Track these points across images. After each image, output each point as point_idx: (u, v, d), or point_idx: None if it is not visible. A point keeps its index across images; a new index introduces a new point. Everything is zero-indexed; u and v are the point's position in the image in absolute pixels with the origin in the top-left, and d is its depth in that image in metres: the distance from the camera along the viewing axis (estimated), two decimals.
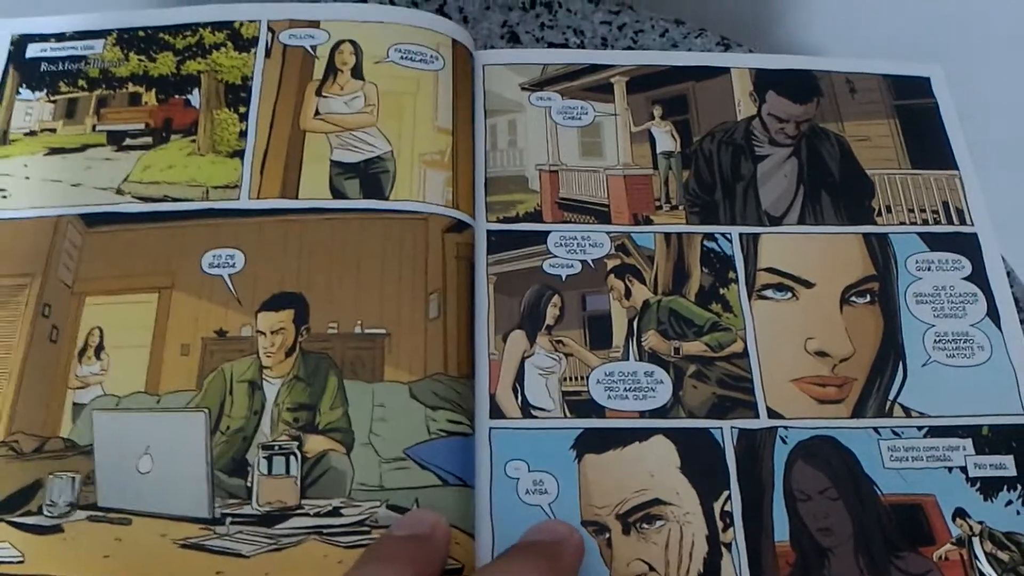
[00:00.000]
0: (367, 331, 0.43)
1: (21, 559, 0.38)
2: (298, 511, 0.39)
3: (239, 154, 0.47)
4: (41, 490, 0.39)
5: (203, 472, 0.40)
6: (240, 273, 0.44)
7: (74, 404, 0.41)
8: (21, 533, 0.38)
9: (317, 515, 0.39)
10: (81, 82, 0.50)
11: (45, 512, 0.39)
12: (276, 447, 0.40)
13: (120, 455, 0.40)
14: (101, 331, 0.43)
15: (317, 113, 0.49)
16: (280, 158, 0.47)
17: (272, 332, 0.43)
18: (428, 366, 0.42)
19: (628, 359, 0.44)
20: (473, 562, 0.39)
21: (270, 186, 0.46)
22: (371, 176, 0.47)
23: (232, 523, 0.39)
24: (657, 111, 0.51)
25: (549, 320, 0.45)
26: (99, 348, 0.42)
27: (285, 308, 0.43)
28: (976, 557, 0.40)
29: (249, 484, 0.40)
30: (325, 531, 0.38)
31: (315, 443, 0.41)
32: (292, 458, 0.40)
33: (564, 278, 0.46)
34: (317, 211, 0.45)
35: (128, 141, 0.48)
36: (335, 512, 0.39)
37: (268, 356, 0.42)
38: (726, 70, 0.53)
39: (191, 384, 0.42)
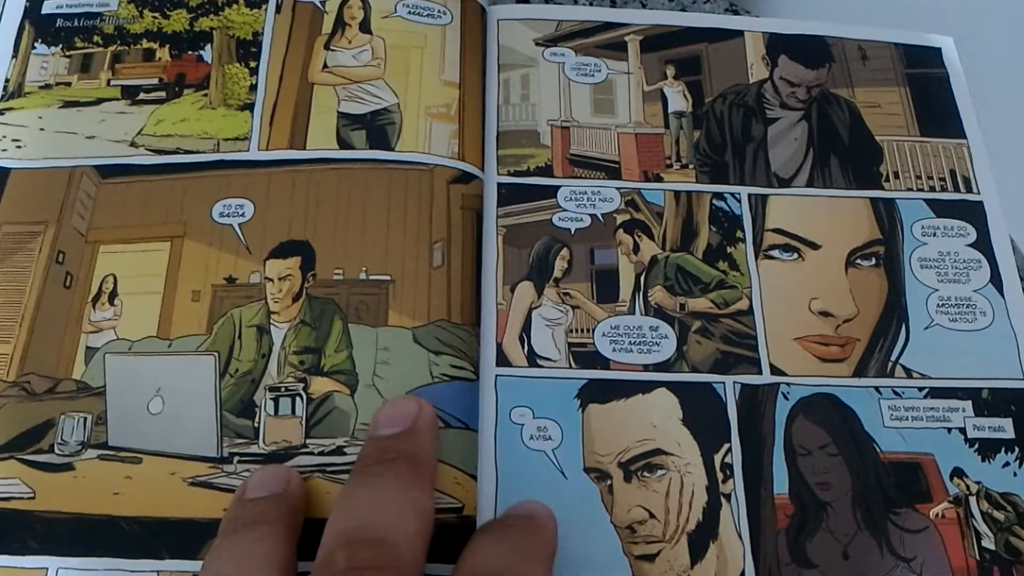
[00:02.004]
0: (372, 277, 0.43)
1: (32, 495, 0.39)
2: (303, 450, 0.40)
3: (249, 107, 0.48)
4: (52, 429, 0.40)
5: (212, 413, 0.40)
6: (249, 222, 0.44)
7: (87, 348, 0.42)
8: (32, 470, 0.39)
9: (321, 454, 0.40)
10: (96, 38, 0.50)
11: (56, 450, 0.40)
12: (282, 388, 0.41)
13: (131, 396, 0.41)
14: (115, 278, 0.43)
15: (325, 66, 0.49)
16: (289, 110, 0.48)
17: (280, 278, 0.43)
18: (431, 313, 0.43)
19: (634, 313, 0.45)
20: (475, 503, 0.39)
21: (279, 137, 0.47)
22: (377, 127, 0.47)
23: (240, 462, 0.40)
24: (670, 71, 0.51)
25: (557, 272, 0.45)
26: (113, 294, 0.43)
27: (292, 255, 0.44)
28: (972, 516, 0.41)
29: (256, 424, 0.40)
30: (329, 469, 0.39)
31: (320, 384, 0.41)
32: (298, 399, 0.41)
33: (573, 231, 0.46)
34: (324, 161, 0.46)
35: (142, 95, 0.49)
36: (339, 451, 0.40)
37: (276, 302, 0.43)
38: (740, 33, 0.53)
39: (201, 329, 0.42)
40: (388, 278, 0.43)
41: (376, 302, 0.43)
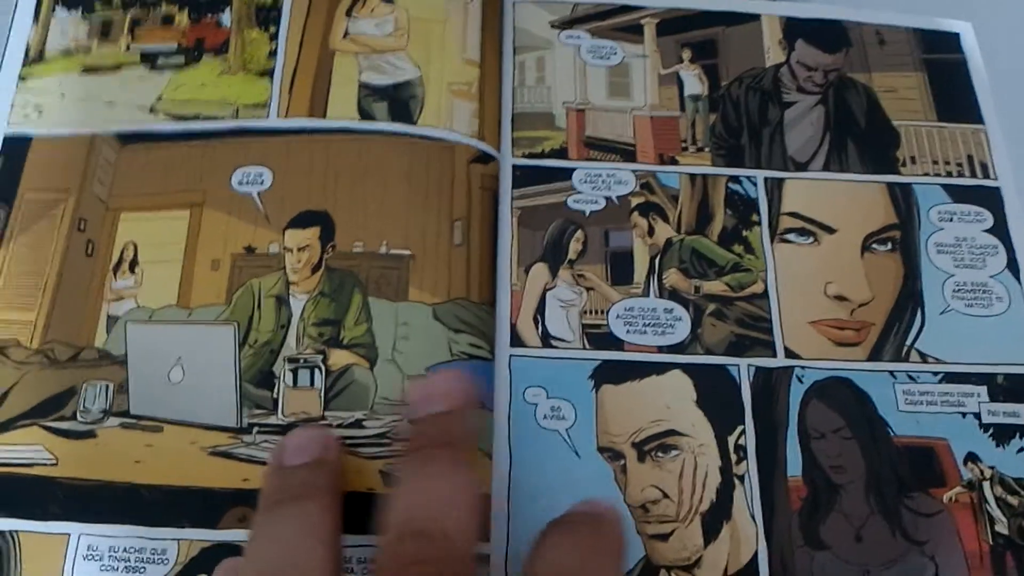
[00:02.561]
0: (392, 251, 0.43)
1: (54, 461, 0.39)
2: (321, 422, 0.40)
3: (269, 73, 0.47)
4: (75, 397, 0.40)
5: (232, 383, 0.40)
6: (268, 191, 0.44)
7: (108, 316, 0.42)
8: (54, 437, 0.39)
9: (340, 426, 0.40)
10: (115, 2, 0.50)
11: (79, 418, 0.40)
12: (301, 360, 0.41)
13: (152, 365, 0.41)
14: (135, 246, 0.43)
15: (347, 34, 0.49)
16: (308, 78, 0.47)
17: (299, 249, 0.43)
18: (452, 290, 0.43)
19: (648, 295, 0.45)
20: (490, 481, 0.39)
21: (298, 105, 0.47)
22: (400, 100, 0.47)
23: (259, 432, 0.40)
24: (686, 54, 0.51)
25: (571, 254, 0.45)
26: (133, 263, 0.43)
27: (311, 225, 0.44)
28: (986, 500, 0.41)
29: (275, 396, 0.40)
30: (347, 442, 0.39)
31: (339, 357, 0.41)
32: (316, 371, 0.41)
33: (588, 214, 0.46)
34: (345, 132, 0.46)
35: (161, 61, 0.48)
36: (357, 424, 0.40)
37: (295, 272, 0.43)
38: (756, 16, 0.53)
39: (221, 299, 0.42)
40: (409, 253, 0.43)
41: (396, 276, 0.43)
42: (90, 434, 0.40)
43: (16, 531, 0.38)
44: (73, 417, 0.40)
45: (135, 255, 0.43)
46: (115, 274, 0.43)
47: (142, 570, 0.37)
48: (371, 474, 0.39)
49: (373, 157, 0.45)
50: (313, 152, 0.45)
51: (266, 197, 0.44)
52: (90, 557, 0.37)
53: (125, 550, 0.37)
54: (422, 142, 0.46)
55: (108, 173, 0.45)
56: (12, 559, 0.37)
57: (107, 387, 0.41)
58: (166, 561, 0.37)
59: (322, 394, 0.41)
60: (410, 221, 0.44)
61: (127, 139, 0.46)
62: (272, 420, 0.40)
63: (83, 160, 0.45)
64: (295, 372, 0.41)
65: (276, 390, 0.41)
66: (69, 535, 0.38)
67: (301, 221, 0.44)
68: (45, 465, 0.39)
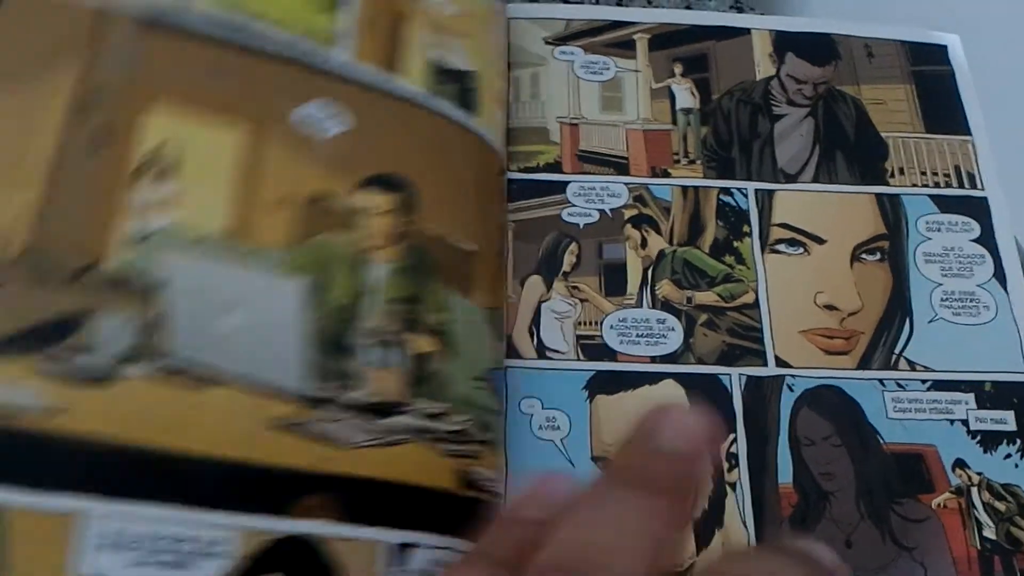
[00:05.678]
0: (459, 245, 0.40)
1: (51, 412, 0.30)
2: (406, 408, 0.35)
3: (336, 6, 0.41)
4: (81, 328, 0.31)
5: (299, 344, 0.34)
6: (341, 139, 0.38)
7: (131, 232, 0.33)
8: (52, 379, 0.30)
9: (423, 416, 0.35)
10: None
11: (90, 357, 0.31)
12: (384, 336, 0.36)
13: (197, 307, 0.33)
14: (170, 150, 0.35)
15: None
16: (382, 29, 0.42)
17: (377, 214, 0.38)
18: (495, 297, 0.42)
19: (641, 306, 0.45)
20: (506, 483, 0.39)
21: (372, 50, 0.40)
22: (465, 89, 0.44)
23: (338, 408, 0.34)
24: (678, 68, 0.52)
25: (566, 267, 0.46)
26: (165, 170, 0.35)
27: (394, 191, 0.38)
28: (974, 506, 0.42)
29: (350, 369, 0.35)
30: (428, 435, 0.34)
31: (421, 342, 0.37)
32: (400, 350, 0.36)
33: (582, 226, 0.47)
34: (415, 104, 0.41)
35: None
36: (440, 416, 0.35)
37: (373, 238, 0.38)
38: (746, 31, 0.54)
39: (283, 245, 0.35)
40: (474, 248, 0.41)
41: (464, 271, 0.40)
42: (105, 379, 0.31)
43: (2, 504, 0.28)
44: (81, 353, 0.31)
45: (169, 161, 0.35)
46: (140, 180, 0.34)
47: (183, 565, 0.29)
48: (445, 472, 0.35)
49: (444, 140, 0.41)
50: (387, 114, 0.40)
51: (339, 145, 0.38)
52: (108, 546, 0.28)
53: (160, 538, 0.29)
54: (480, 140, 0.43)
55: (125, 55, 0.36)
56: None
57: (132, 322, 0.32)
58: (218, 555, 0.29)
59: (405, 376, 0.36)
60: (473, 218, 0.41)
61: (156, 22, 0.37)
62: (354, 396, 0.34)
63: (85, 35, 0.36)
64: (377, 348, 0.36)
65: (353, 364, 0.35)
66: (76, 514, 0.29)
67: (382, 183, 0.38)
68: (37, 414, 0.30)
